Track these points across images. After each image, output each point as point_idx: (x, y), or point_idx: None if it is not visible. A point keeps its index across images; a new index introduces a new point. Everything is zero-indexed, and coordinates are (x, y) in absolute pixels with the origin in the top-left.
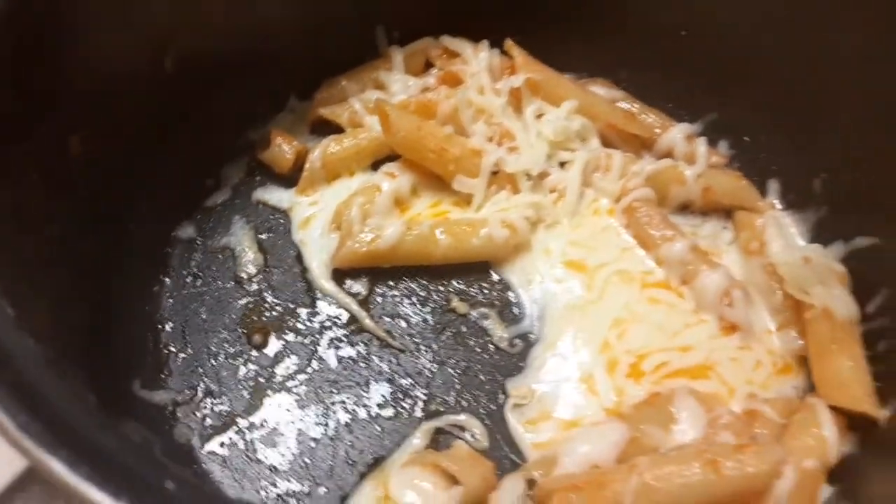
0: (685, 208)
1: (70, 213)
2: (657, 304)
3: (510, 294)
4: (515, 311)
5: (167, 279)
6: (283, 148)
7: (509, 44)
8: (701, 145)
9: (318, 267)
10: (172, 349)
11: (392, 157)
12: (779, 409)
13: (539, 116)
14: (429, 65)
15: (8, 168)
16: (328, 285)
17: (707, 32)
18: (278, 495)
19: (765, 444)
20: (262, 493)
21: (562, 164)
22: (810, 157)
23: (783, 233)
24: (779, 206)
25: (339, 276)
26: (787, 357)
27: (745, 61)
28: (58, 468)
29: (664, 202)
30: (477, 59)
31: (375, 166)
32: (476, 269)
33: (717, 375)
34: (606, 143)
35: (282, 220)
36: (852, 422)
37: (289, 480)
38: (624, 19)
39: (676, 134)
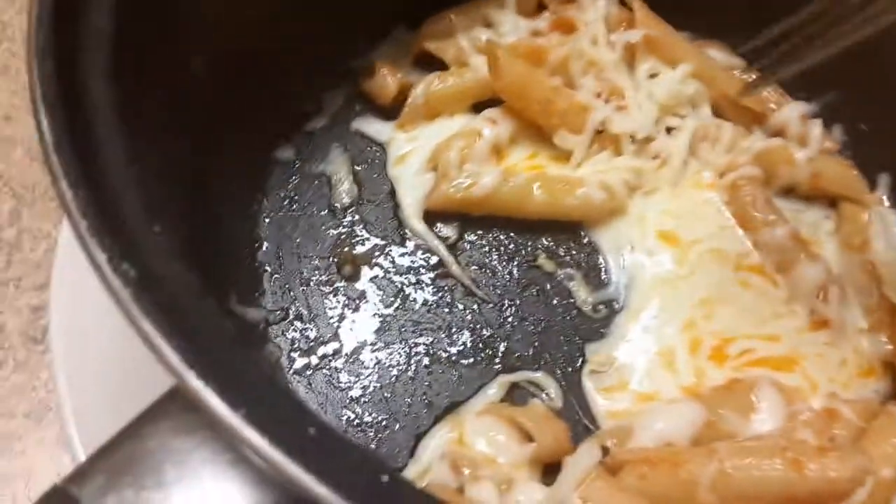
0: (789, 192)
1: (185, 129)
2: (749, 289)
3: (599, 258)
4: (603, 276)
5: (265, 199)
6: (387, 79)
7: None
8: (815, 128)
9: (411, 205)
10: (267, 269)
11: (494, 101)
12: (858, 412)
13: (652, 76)
14: (542, 7)
15: (143, 79)
16: (419, 225)
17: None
18: (358, 423)
19: (849, 450)
20: (343, 419)
21: (669, 130)
22: None
23: (888, 231)
24: (887, 202)
25: (431, 217)
26: (873, 360)
27: (875, 45)
28: (219, 406)
29: (770, 182)
30: (594, 6)
31: (477, 108)
32: (567, 227)
33: (801, 369)
34: (717, 113)
35: (378, 153)
36: None
37: (368, 412)
38: None
39: (791, 112)
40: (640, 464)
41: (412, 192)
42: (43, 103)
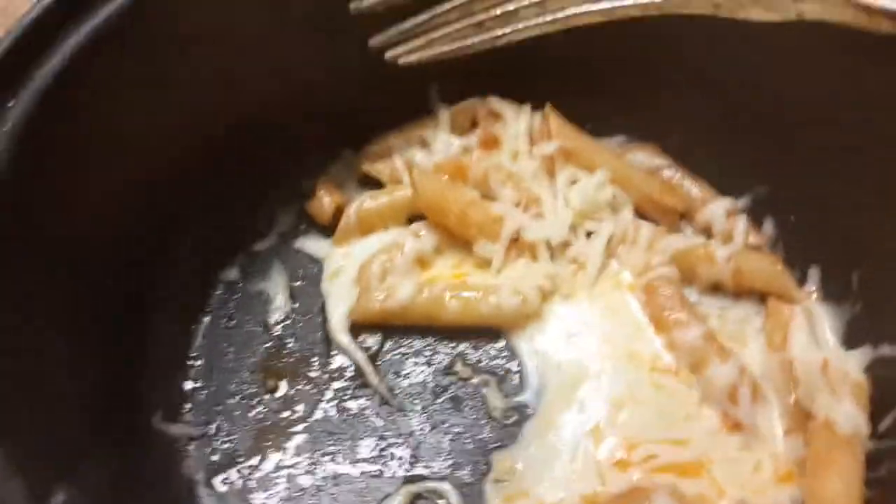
0: (717, 289)
1: (119, 253)
2: (661, 391)
3: (515, 363)
4: (517, 381)
5: (205, 318)
6: (324, 199)
7: (547, 109)
8: (740, 223)
9: (338, 319)
10: (197, 385)
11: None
12: None
13: (572, 183)
14: (476, 124)
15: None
16: (343, 337)
17: (770, 101)
18: None
19: None
20: None
21: (588, 235)
22: (854, 246)
23: (811, 328)
24: (816, 297)
25: (357, 329)
26: (790, 464)
27: (805, 136)
28: None
29: (693, 281)
30: (516, 122)
31: (414, 221)
32: (487, 333)
33: (708, 475)
34: (643, 214)
35: (316, 270)
36: None
37: None
38: (681, 83)
39: (717, 209)
40: None
41: (340, 305)
42: None
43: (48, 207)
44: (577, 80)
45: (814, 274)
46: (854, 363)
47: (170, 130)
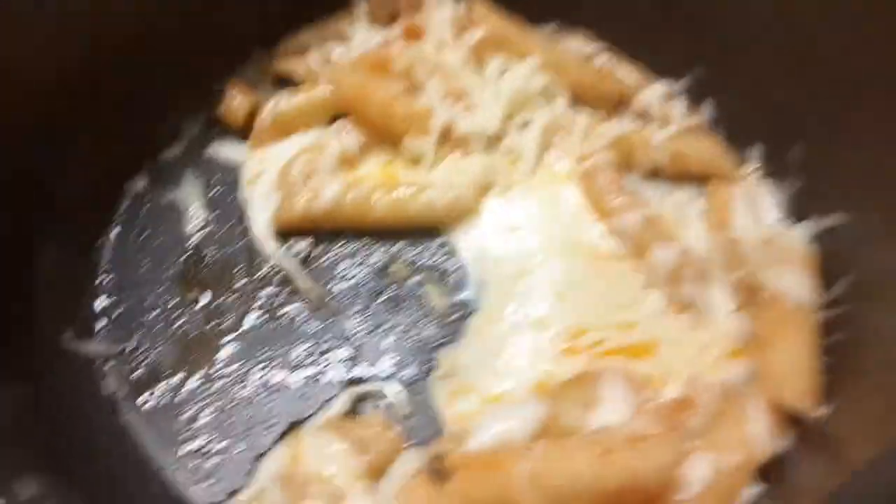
0: (657, 174)
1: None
2: (604, 277)
3: (453, 260)
4: (456, 278)
5: (113, 232)
6: (235, 101)
7: None
8: (676, 107)
9: (261, 226)
10: (109, 300)
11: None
12: (718, 397)
13: (504, 73)
14: (396, 16)
15: None
16: (267, 244)
17: None
18: (196, 450)
19: (661, 438)
20: (180, 448)
21: (524, 126)
22: (792, 121)
23: (753, 207)
24: (759, 175)
25: (285, 235)
26: (738, 341)
27: (741, 14)
28: None
29: (632, 167)
30: (440, 10)
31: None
32: (423, 232)
33: (658, 356)
34: (579, 101)
35: (232, 177)
36: (794, 417)
37: (208, 437)
38: None
39: (653, 93)
40: (466, 468)
41: (262, 211)
42: None
43: None
44: None
45: (755, 152)
46: (799, 236)
47: (65, 36)
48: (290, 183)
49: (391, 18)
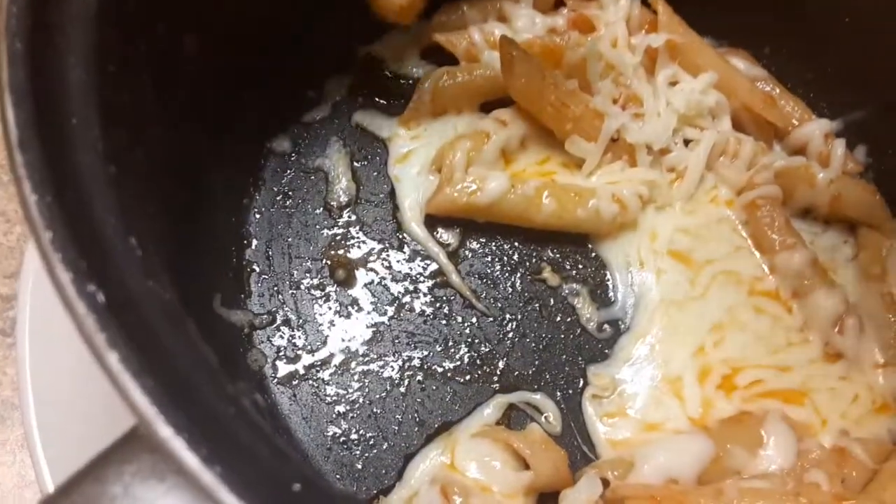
0: (807, 213)
1: (174, 115)
2: (762, 315)
3: (606, 274)
4: (609, 293)
5: (257, 193)
6: None
7: None
8: (839, 147)
9: (411, 208)
10: (255, 269)
11: (503, 101)
12: (871, 452)
13: (672, 84)
14: (560, 2)
15: (128, 61)
16: (418, 230)
17: (869, 26)
18: (343, 440)
19: (864, 499)
20: (328, 435)
21: (686, 142)
22: None
23: None
24: None
25: (431, 222)
26: (887, 396)
27: None
28: (190, 460)
29: (787, 203)
30: (616, 5)
31: (485, 107)
32: (574, 239)
33: (811, 403)
34: (737, 125)
35: (379, 150)
36: None
37: (355, 428)
38: None
39: (815, 129)
40: (643, 500)
41: (413, 193)
42: (9, 91)
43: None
44: None
45: None
46: None
47: None
48: (449, 168)
49: (556, 4)
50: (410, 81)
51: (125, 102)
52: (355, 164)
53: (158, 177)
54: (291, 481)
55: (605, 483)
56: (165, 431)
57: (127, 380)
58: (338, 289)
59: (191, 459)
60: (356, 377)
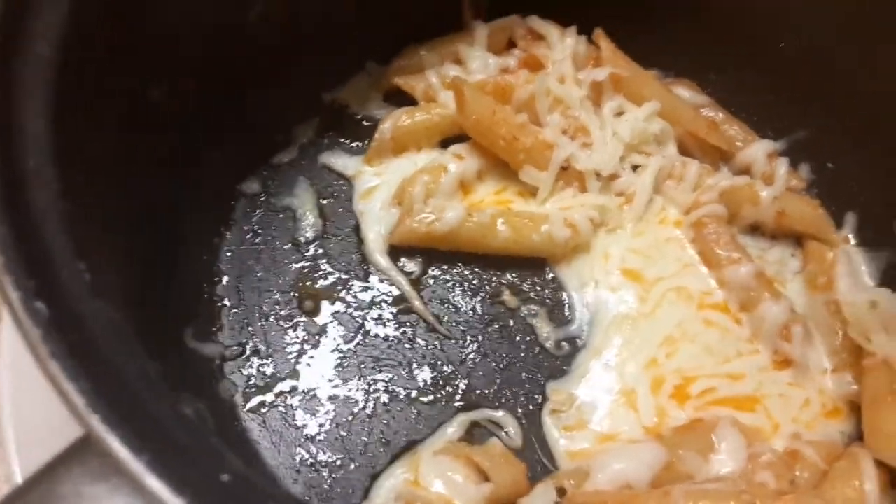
0: (755, 230)
1: (144, 158)
2: (712, 327)
3: (563, 294)
4: (566, 312)
5: (228, 232)
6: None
7: (598, 33)
8: (782, 166)
9: (375, 240)
10: (226, 303)
11: (462, 137)
12: (822, 454)
13: (618, 114)
14: (512, 44)
15: (89, 110)
16: (382, 260)
17: (807, 49)
18: (312, 463)
19: (806, 494)
20: (297, 458)
21: (634, 168)
22: (894, 195)
23: (853, 271)
24: (853, 241)
25: (394, 252)
26: (837, 400)
27: (842, 84)
28: (120, 450)
29: (734, 220)
30: (562, 44)
31: (444, 144)
32: (531, 263)
33: (763, 409)
34: (683, 150)
35: (345, 188)
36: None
37: (323, 451)
38: (722, 20)
39: (758, 150)
40: None
41: (376, 226)
42: None
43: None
44: (617, 6)
45: (850, 219)
46: None
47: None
48: (409, 200)
49: (507, 46)
50: (373, 123)
51: (84, 148)
52: (322, 201)
53: (120, 215)
54: (220, 472)
55: (563, 492)
56: (100, 428)
57: (65, 384)
58: (306, 319)
59: (121, 451)
60: (323, 402)
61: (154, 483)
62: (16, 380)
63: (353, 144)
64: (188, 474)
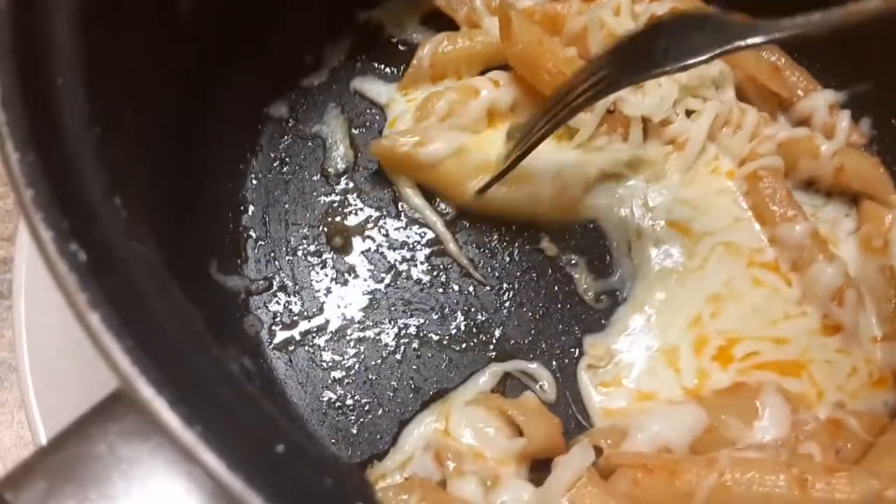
0: (809, 185)
1: (170, 78)
2: (760, 287)
3: (604, 244)
4: (607, 264)
5: (254, 159)
6: None
7: None
8: (844, 119)
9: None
10: (252, 234)
11: (505, 68)
12: (866, 425)
13: None
14: None
15: (117, 20)
16: (416, 198)
17: None
18: (339, 405)
19: (859, 471)
20: (324, 400)
21: (689, 113)
22: None
23: None
24: None
25: (430, 190)
26: (885, 370)
27: None
28: (171, 420)
29: (790, 174)
30: None
31: (485, 75)
32: (574, 210)
33: (808, 375)
34: (741, 96)
35: (377, 117)
36: None
37: (351, 393)
38: None
39: (819, 100)
40: (635, 469)
41: None
42: None
43: None
44: None
45: None
46: None
47: None
48: (426, 113)
49: None
50: (410, 47)
51: (114, 65)
52: (353, 130)
53: (148, 141)
54: (275, 443)
55: (599, 451)
56: (146, 391)
57: (108, 340)
58: (334, 256)
59: (171, 419)
60: (352, 344)
61: (209, 458)
62: (34, 331)
63: (388, 70)
64: (243, 446)
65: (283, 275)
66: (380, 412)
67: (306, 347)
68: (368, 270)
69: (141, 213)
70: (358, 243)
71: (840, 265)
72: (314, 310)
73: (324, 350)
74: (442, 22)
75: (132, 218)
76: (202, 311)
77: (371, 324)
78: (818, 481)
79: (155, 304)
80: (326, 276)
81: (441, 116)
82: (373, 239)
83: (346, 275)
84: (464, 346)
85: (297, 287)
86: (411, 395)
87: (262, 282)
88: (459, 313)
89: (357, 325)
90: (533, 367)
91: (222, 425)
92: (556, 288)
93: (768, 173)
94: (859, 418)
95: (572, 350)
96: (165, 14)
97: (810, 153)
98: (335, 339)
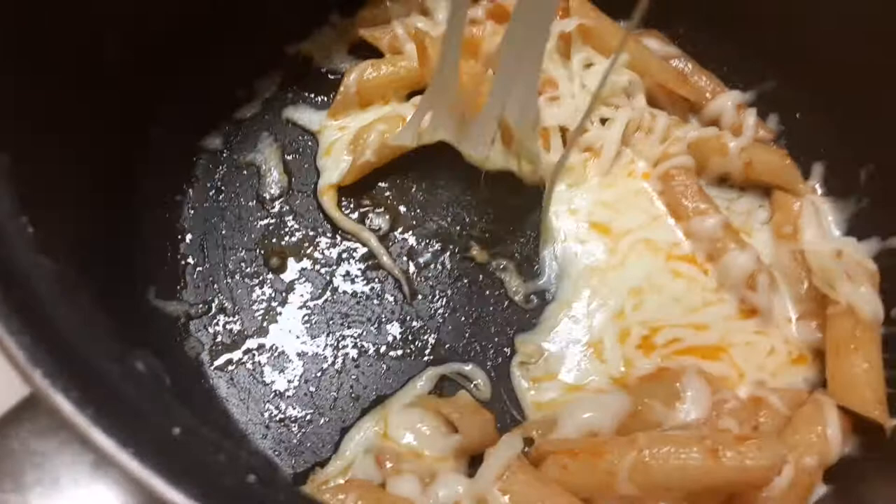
0: (723, 181)
1: (98, 114)
2: (679, 278)
3: (532, 248)
4: (535, 266)
5: (190, 189)
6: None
7: None
8: (750, 117)
9: (329, 193)
10: (190, 261)
11: None
12: (786, 401)
13: (587, 66)
14: None
15: (43, 64)
16: (345, 221)
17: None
18: (281, 419)
19: (768, 438)
20: (266, 414)
21: (603, 121)
22: (861, 146)
23: (819, 220)
24: (820, 191)
25: (362, 209)
26: (802, 348)
27: (811, 34)
28: (63, 404)
29: (702, 172)
30: None
31: (412, 97)
32: (501, 218)
33: (728, 358)
34: (652, 102)
35: (310, 143)
36: (858, 424)
37: (292, 406)
38: None
39: (727, 101)
40: (562, 455)
41: (331, 178)
42: None
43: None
44: None
45: (817, 169)
46: (866, 251)
47: None
48: (362, 146)
49: None
50: (338, 76)
51: (31, 102)
52: (287, 157)
53: (73, 172)
54: (171, 426)
55: (531, 442)
56: (41, 381)
57: (5, 337)
58: (272, 276)
59: (63, 403)
60: (292, 358)
61: (99, 437)
62: None
63: (318, 98)
64: (135, 428)
65: (222, 297)
66: (321, 421)
67: (247, 366)
68: (306, 288)
69: (58, 234)
70: (294, 263)
71: (752, 252)
72: (254, 329)
73: (264, 367)
74: (368, 51)
75: (41, 234)
76: (138, 334)
77: (310, 338)
78: (729, 450)
79: (57, 310)
80: (265, 295)
81: (374, 148)
82: (309, 258)
83: (285, 293)
84: (401, 353)
85: (236, 308)
86: (352, 404)
87: (201, 305)
88: (395, 322)
89: (297, 341)
90: (468, 368)
91: (115, 409)
92: (488, 292)
93: (680, 172)
94: (780, 395)
95: (505, 349)
96: (88, 60)
97: (719, 151)
98: (275, 355)
